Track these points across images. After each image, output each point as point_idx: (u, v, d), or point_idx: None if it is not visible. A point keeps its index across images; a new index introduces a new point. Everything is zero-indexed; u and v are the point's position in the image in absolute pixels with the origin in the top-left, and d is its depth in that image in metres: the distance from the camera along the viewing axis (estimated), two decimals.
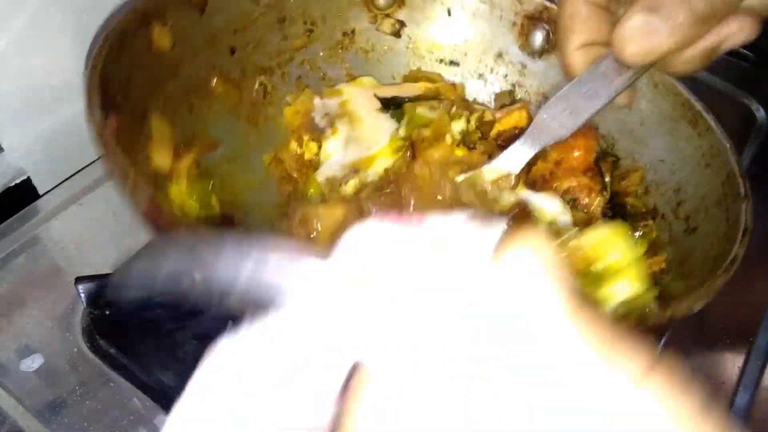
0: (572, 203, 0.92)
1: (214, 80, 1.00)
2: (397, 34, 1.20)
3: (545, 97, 1.15)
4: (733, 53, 1.35)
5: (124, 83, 0.84)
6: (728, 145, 0.88)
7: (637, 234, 0.92)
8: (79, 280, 0.91)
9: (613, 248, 0.80)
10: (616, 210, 0.96)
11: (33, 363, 0.87)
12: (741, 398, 0.89)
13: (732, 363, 0.94)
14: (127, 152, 0.79)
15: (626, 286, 0.78)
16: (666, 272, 0.84)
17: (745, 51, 1.36)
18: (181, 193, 0.83)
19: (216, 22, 1.01)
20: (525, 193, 0.88)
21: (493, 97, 1.17)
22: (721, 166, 0.88)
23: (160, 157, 0.84)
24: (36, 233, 1.02)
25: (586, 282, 0.78)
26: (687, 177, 0.93)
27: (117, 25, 0.83)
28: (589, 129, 0.98)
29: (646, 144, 1.02)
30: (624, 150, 1.05)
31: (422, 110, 0.96)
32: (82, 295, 0.90)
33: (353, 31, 1.18)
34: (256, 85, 1.08)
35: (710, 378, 0.90)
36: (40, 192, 1.09)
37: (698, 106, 0.95)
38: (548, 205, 0.88)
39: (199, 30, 0.99)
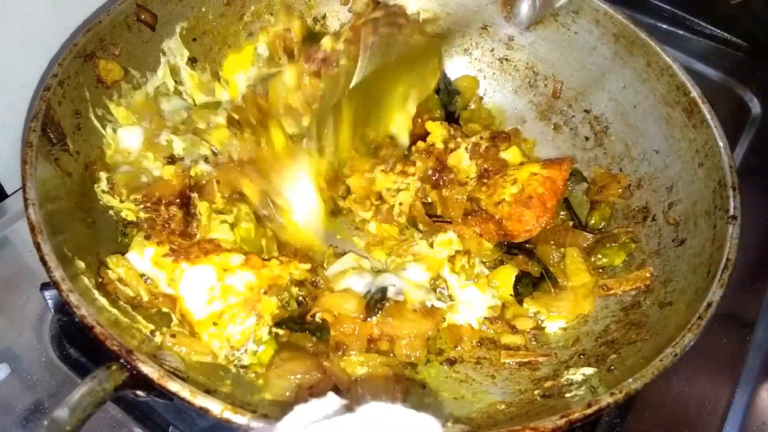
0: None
1: None
2: None
3: (534, 72, 1.07)
4: (726, 42, 1.25)
5: (75, 130, 0.81)
6: (722, 144, 0.81)
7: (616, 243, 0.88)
8: (45, 286, 0.84)
9: None
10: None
11: None
12: None
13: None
14: (80, 208, 0.79)
15: None
16: (649, 291, 0.80)
17: (738, 40, 1.25)
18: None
19: (171, 34, 0.95)
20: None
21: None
22: (714, 168, 0.81)
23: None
24: (4, 234, 0.95)
25: None
26: (680, 173, 0.87)
27: (57, 70, 0.79)
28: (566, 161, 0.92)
29: (640, 131, 0.94)
30: (617, 135, 0.97)
31: None
32: (50, 302, 0.85)
33: (324, 17, 1.09)
34: None
35: None
36: (8, 191, 1.01)
37: (694, 92, 0.87)
38: None
39: (153, 47, 0.93)
